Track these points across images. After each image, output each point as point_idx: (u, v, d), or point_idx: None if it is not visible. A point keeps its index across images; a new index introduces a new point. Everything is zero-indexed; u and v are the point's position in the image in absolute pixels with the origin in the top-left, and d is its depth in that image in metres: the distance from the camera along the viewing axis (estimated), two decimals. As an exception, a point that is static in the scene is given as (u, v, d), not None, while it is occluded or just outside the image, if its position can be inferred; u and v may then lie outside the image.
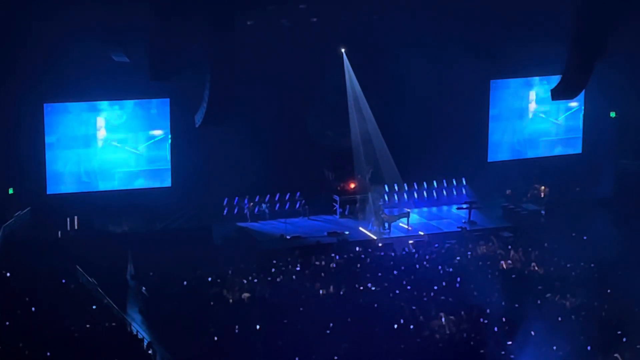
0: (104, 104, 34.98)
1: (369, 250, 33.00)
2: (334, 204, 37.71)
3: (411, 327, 25.49)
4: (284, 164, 36.98)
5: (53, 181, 34.57)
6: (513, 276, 29.50)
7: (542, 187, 39.43)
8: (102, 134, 35.16)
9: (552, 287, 28.09)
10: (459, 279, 28.96)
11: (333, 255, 31.94)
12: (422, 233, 35.36)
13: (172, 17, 29.33)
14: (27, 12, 30.99)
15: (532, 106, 39.94)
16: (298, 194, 37.50)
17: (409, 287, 28.55)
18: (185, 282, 29.08)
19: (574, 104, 39.84)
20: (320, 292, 28.65)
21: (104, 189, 35.20)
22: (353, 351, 23.86)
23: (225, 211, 36.80)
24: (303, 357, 23.47)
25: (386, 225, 35.79)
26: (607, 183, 38.83)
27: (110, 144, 35.29)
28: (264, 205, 36.93)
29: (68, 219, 34.64)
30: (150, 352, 24.19)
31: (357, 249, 33.03)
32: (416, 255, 31.98)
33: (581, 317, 25.76)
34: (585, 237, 32.43)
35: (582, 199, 38.23)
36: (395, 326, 25.47)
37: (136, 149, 35.71)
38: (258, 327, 25.29)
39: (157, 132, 35.88)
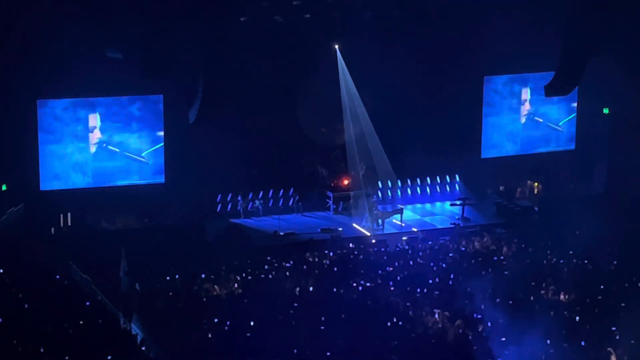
0: (99, 100, 34.67)
1: (362, 246, 33.02)
2: (328, 200, 37.70)
3: (405, 323, 25.50)
4: (278, 160, 36.97)
5: (46, 177, 34.48)
6: (506, 272, 29.52)
7: (535, 184, 39.45)
8: (96, 135, 34.23)
9: (545, 283, 28.14)
10: (452, 275, 28.98)
11: (326, 251, 31.94)
12: (415, 229, 35.36)
13: (165, 20, 29.31)
14: (20, 8, 30.91)
15: (526, 104, 39.85)
16: (292, 190, 37.48)
17: (402, 284, 28.56)
18: (178, 277, 29.07)
19: (575, 104, 39.84)
20: (313, 288, 28.66)
21: (97, 186, 35.05)
22: (347, 347, 23.84)
23: (218, 207, 36.78)
24: (297, 354, 23.45)
25: (379, 221, 35.79)
26: (600, 180, 38.84)
27: (106, 149, 34.36)
28: (257, 202, 36.91)
29: (61, 216, 34.58)
30: (143, 348, 24.16)
31: (351, 245, 33.06)
32: (409, 252, 32.01)
33: (574, 312, 25.80)
34: (578, 233, 32.46)
35: (575, 195, 38.26)
36: (389, 323, 25.48)
37: (139, 155, 34.88)
38: (252, 323, 25.29)
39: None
